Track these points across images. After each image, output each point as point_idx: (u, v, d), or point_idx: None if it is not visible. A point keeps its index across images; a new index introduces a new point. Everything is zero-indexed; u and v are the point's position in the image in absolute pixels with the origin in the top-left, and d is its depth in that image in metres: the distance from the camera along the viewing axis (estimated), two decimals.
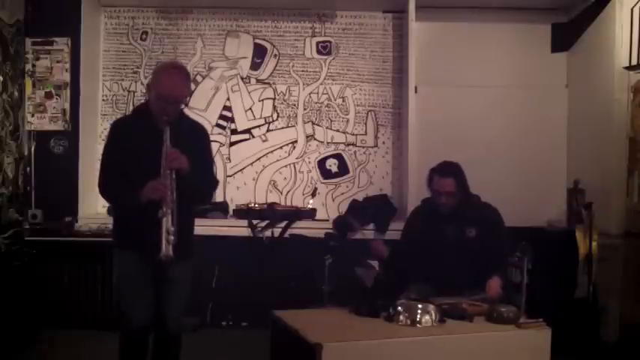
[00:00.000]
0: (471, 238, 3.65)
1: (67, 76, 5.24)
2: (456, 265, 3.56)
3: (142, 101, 3.21)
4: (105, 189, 3.01)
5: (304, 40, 5.49)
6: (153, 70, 3.06)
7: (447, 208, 3.66)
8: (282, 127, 5.50)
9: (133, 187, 2.82)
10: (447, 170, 3.67)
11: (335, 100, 5.50)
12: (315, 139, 5.50)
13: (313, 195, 5.36)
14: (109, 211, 5.08)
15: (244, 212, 5.00)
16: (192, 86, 5.38)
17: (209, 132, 5.34)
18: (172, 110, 2.91)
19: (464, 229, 3.66)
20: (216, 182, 3.36)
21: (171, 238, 2.74)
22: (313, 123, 5.49)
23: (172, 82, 2.91)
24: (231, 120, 5.48)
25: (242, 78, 5.49)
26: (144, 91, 5.44)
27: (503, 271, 3.54)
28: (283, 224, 4.93)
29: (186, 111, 3.23)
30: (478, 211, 3.71)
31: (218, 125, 5.47)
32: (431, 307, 3.07)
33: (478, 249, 3.59)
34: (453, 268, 3.56)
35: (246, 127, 5.49)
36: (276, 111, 5.49)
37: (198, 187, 3.01)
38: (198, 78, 5.46)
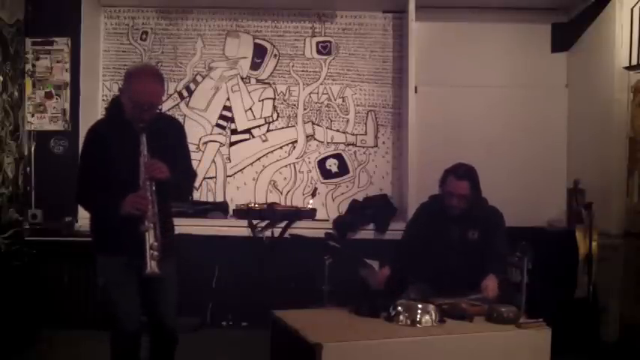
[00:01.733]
0: (473, 240, 3.64)
1: (67, 76, 5.24)
2: (457, 266, 3.56)
3: (112, 100, 3.11)
4: (83, 200, 2.97)
5: (304, 40, 5.49)
6: (125, 74, 2.97)
7: (457, 211, 3.64)
8: (282, 127, 5.49)
9: (112, 199, 2.76)
10: (463, 173, 3.63)
11: (335, 100, 5.49)
12: (315, 139, 5.50)
13: (313, 195, 5.36)
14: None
15: (244, 212, 5.01)
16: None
17: (210, 132, 5.43)
18: (148, 115, 2.85)
19: (467, 230, 3.65)
20: (194, 175, 3.29)
21: (155, 254, 2.70)
22: (313, 123, 5.49)
23: (147, 89, 2.83)
24: (231, 120, 5.48)
25: (242, 78, 5.49)
26: None
27: (501, 271, 3.52)
28: (283, 224, 4.93)
29: (161, 109, 3.19)
30: (483, 213, 3.69)
31: (218, 125, 5.46)
32: (431, 307, 3.07)
33: (479, 252, 3.58)
34: (454, 269, 3.56)
35: (246, 127, 5.49)
36: (276, 111, 5.49)
37: (179, 185, 2.97)
38: (198, 78, 5.46)
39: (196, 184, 5.33)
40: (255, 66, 5.49)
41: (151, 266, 2.69)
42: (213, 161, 5.45)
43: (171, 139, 2.99)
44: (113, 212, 2.76)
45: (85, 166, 2.94)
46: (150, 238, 2.71)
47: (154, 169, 2.76)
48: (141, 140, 2.78)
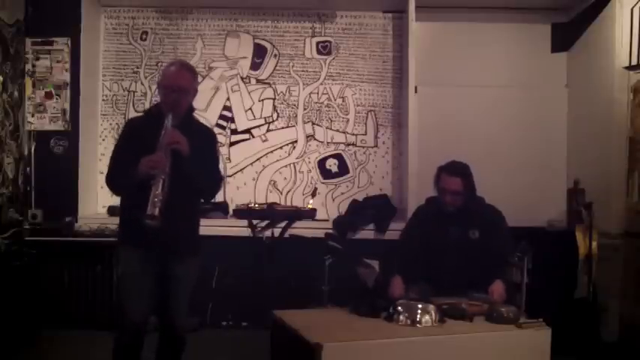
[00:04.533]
0: (473, 239, 3.64)
1: (67, 76, 5.24)
2: (458, 266, 3.56)
3: (156, 102, 3.34)
4: (111, 180, 3.10)
5: (304, 40, 5.49)
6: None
7: (452, 208, 3.65)
8: (282, 127, 5.50)
9: (134, 171, 2.87)
10: (455, 169, 3.66)
11: (335, 100, 5.50)
12: (315, 139, 5.50)
13: (313, 195, 5.36)
14: (109, 211, 5.10)
15: (244, 212, 5.01)
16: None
17: None
18: (175, 98, 2.99)
19: (467, 230, 3.65)
20: (221, 178, 3.39)
21: (157, 201, 2.78)
22: (313, 123, 5.49)
23: (174, 72, 3.06)
24: (231, 120, 5.48)
25: (242, 78, 5.49)
26: (144, 91, 5.46)
27: (505, 275, 3.53)
28: (283, 224, 4.93)
29: (196, 115, 3.33)
30: (482, 212, 3.69)
31: (218, 125, 5.46)
32: (431, 307, 3.07)
33: (480, 251, 3.58)
34: (455, 269, 3.55)
35: (246, 127, 5.49)
36: (276, 111, 5.50)
37: (200, 176, 3.03)
38: (198, 78, 5.45)
39: None
40: (255, 66, 5.49)
41: (152, 210, 2.77)
42: None
43: (202, 143, 3.08)
44: (134, 180, 2.86)
45: (117, 154, 3.12)
46: (157, 189, 2.81)
47: (173, 136, 2.89)
48: (166, 120, 2.93)
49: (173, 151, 2.89)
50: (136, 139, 3.03)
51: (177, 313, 3.08)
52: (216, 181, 3.26)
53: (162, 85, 3.07)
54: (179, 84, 3.02)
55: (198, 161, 2.95)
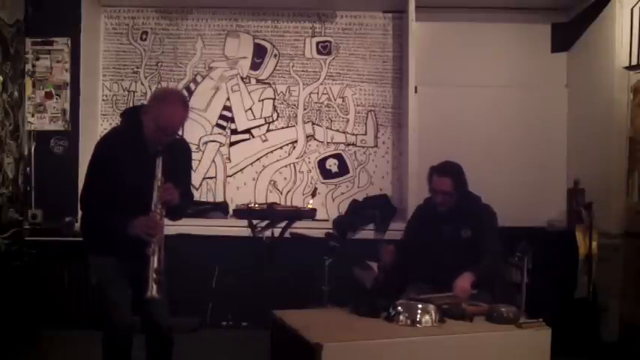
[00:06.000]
0: (466, 238, 3.64)
1: (67, 76, 5.24)
2: (451, 264, 3.55)
3: (130, 113, 3.11)
4: (89, 211, 2.98)
5: (304, 40, 5.49)
6: (153, 96, 3.07)
7: (443, 207, 3.67)
8: (282, 127, 5.50)
9: (120, 217, 2.75)
10: (445, 170, 3.67)
11: (335, 100, 5.50)
12: (315, 139, 5.50)
13: (313, 195, 5.35)
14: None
15: (244, 212, 5.00)
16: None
17: (210, 132, 5.43)
18: (168, 140, 2.90)
19: (460, 229, 3.65)
20: (192, 198, 3.34)
21: (156, 278, 2.70)
22: (313, 123, 5.49)
23: (175, 115, 2.87)
24: (231, 120, 5.48)
25: (242, 78, 5.49)
26: (144, 91, 5.46)
27: (487, 269, 3.47)
28: (283, 224, 4.93)
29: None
30: (475, 212, 3.70)
31: (218, 125, 5.47)
32: (431, 307, 3.07)
33: (473, 249, 3.58)
34: (450, 267, 3.55)
35: (246, 127, 5.49)
36: (276, 111, 5.49)
37: (182, 208, 3.02)
38: (198, 78, 5.46)
39: (196, 184, 5.35)
40: (255, 66, 5.49)
41: (152, 290, 2.69)
42: (213, 161, 5.46)
43: (180, 161, 3.02)
44: (120, 231, 2.75)
45: (93, 177, 2.93)
46: (154, 262, 2.71)
47: (168, 193, 2.79)
48: (157, 163, 2.80)
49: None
50: (113, 163, 2.85)
51: (158, 312, 3.01)
52: (189, 201, 3.22)
53: (160, 126, 2.83)
54: (178, 127, 2.96)
55: (181, 189, 2.89)
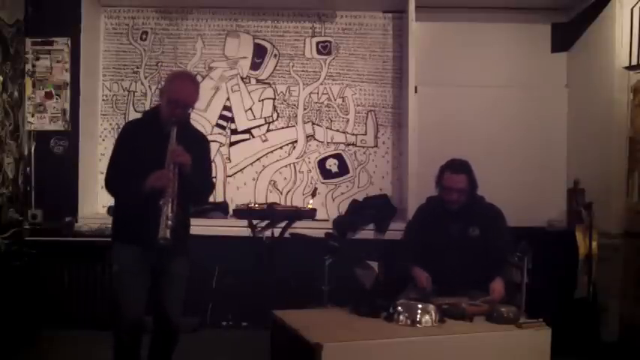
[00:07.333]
0: (473, 237, 3.65)
1: (67, 76, 5.24)
2: (458, 263, 3.56)
3: (150, 109, 3.47)
4: (110, 183, 3.17)
5: (304, 40, 5.49)
6: (166, 77, 3.40)
7: (457, 205, 3.67)
8: (282, 127, 5.50)
9: (137, 180, 2.95)
10: (460, 167, 3.68)
11: (335, 100, 5.50)
12: (315, 139, 5.50)
13: (313, 195, 5.35)
14: (109, 211, 5.09)
15: (244, 212, 5.01)
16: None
17: (210, 132, 5.43)
18: (180, 113, 3.09)
19: (467, 228, 3.66)
20: (212, 185, 3.55)
21: (170, 223, 2.86)
22: (313, 123, 5.49)
23: (184, 88, 3.14)
24: (231, 120, 5.48)
25: (242, 78, 5.49)
26: (144, 91, 5.46)
27: (504, 272, 3.54)
28: (283, 224, 4.93)
29: (191, 120, 3.43)
30: (482, 210, 3.71)
31: (218, 125, 5.47)
32: (431, 307, 3.07)
33: (480, 248, 3.59)
34: (455, 266, 3.56)
35: (246, 127, 5.49)
36: (276, 111, 5.49)
37: (197, 186, 3.16)
38: (198, 78, 5.44)
39: None
40: (255, 66, 5.49)
41: (164, 232, 2.85)
42: (213, 161, 5.44)
43: (197, 149, 3.16)
44: (137, 190, 2.95)
45: (116, 156, 3.18)
46: (168, 210, 2.88)
47: (178, 154, 2.98)
48: (171, 132, 3.00)
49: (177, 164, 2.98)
50: (135, 144, 3.11)
51: (172, 307, 3.14)
52: (210, 188, 3.42)
53: (171, 99, 3.10)
54: (188, 100, 3.14)
55: (196, 170, 3.04)
